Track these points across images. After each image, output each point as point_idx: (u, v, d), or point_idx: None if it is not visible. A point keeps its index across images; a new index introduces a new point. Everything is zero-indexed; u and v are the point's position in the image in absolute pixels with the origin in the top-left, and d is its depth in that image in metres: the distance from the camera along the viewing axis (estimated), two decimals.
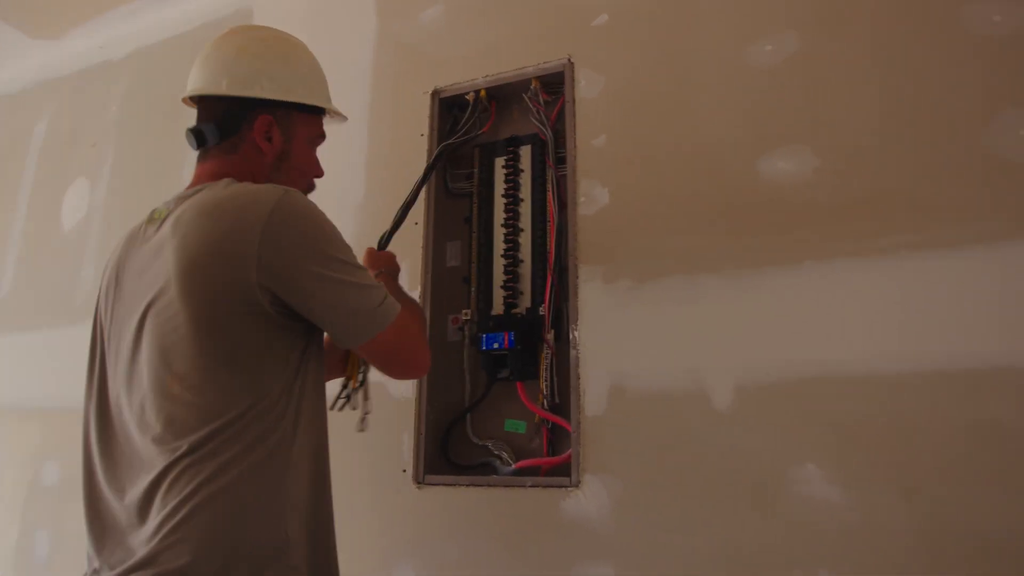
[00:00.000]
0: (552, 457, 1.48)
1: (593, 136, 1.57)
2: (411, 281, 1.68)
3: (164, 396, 0.97)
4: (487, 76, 1.74)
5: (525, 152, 1.73)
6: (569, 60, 1.64)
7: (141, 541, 0.93)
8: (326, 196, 1.24)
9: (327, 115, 1.26)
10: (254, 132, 1.13)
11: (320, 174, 1.26)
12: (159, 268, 1.02)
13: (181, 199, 1.08)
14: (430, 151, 1.76)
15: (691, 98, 1.48)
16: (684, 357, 1.35)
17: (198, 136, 1.14)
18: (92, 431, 1.08)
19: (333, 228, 1.06)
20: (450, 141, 1.74)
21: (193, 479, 0.92)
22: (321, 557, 1.04)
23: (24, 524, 2.14)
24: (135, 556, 0.92)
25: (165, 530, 0.90)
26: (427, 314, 1.67)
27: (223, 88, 1.13)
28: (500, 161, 1.75)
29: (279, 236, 0.98)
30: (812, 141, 1.35)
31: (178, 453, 0.93)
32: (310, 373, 1.06)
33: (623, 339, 1.41)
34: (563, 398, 1.50)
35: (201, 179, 1.13)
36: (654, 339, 1.39)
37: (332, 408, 1.18)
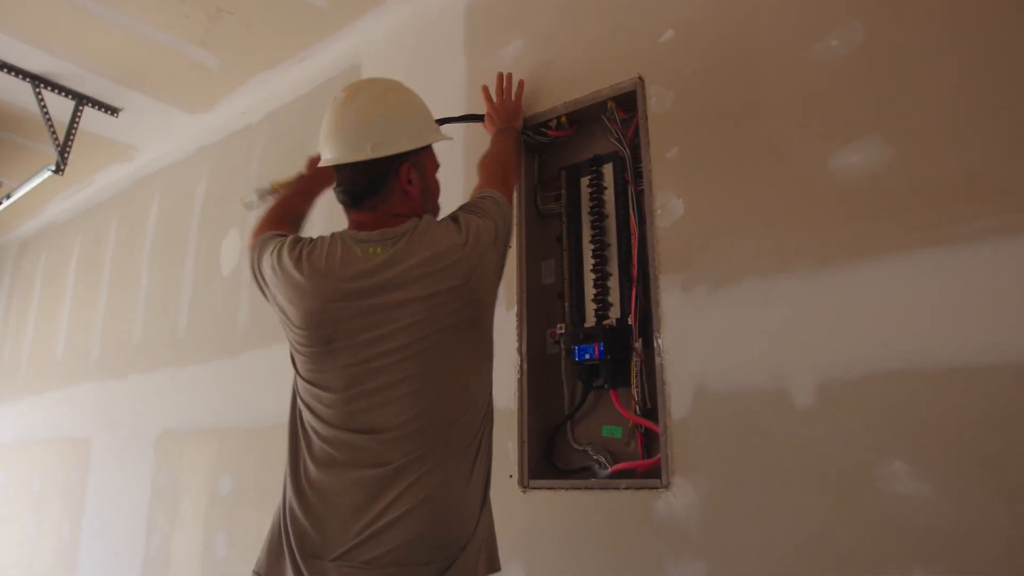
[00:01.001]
0: (644, 460, 1.54)
1: (666, 149, 1.62)
2: (508, 300, 1.82)
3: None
4: (566, 102, 1.84)
5: (607, 170, 1.81)
6: (640, 78, 1.70)
7: None
8: None
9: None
10: (400, 181, 1.30)
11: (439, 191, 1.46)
12: (401, 301, 1.22)
13: (383, 240, 1.27)
14: (519, 176, 1.89)
15: (758, 102, 1.50)
16: (764, 357, 1.37)
17: (351, 196, 1.32)
18: None
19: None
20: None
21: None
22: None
23: (207, 528, 2.50)
24: None
25: None
26: (524, 329, 1.79)
27: (368, 153, 1.28)
28: (585, 181, 1.85)
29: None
30: (885, 131, 1.33)
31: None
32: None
33: (704, 343, 1.46)
34: (652, 402, 1.56)
35: (366, 224, 1.30)
36: (734, 341, 1.42)
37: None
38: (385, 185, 1.30)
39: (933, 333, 1.21)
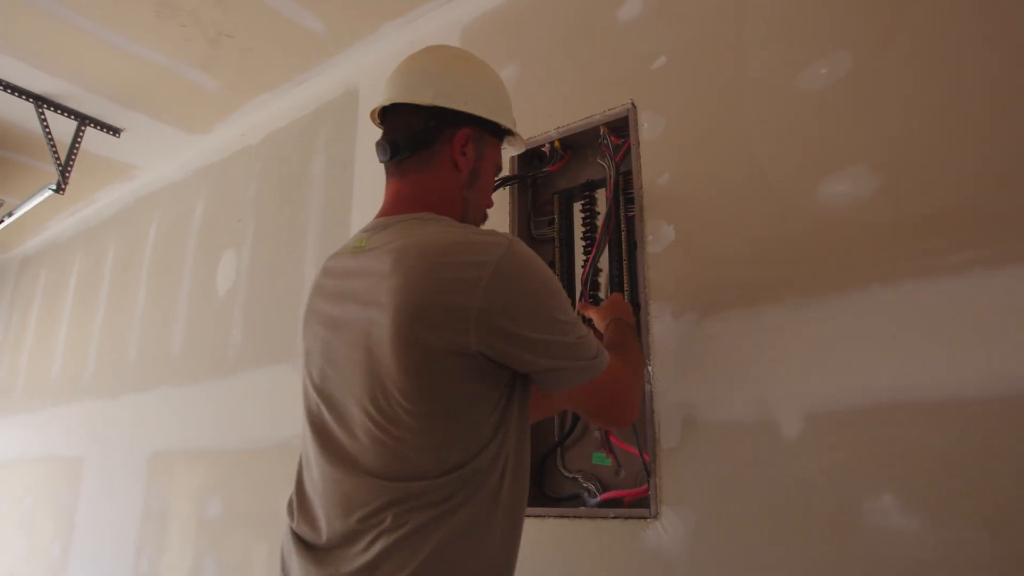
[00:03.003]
0: (632, 489, 1.53)
1: (657, 175, 1.62)
2: None
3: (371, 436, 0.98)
4: (558, 127, 1.85)
5: (600, 195, 1.81)
6: (632, 104, 1.71)
7: None
8: None
9: (504, 145, 1.25)
10: (453, 145, 1.11)
11: (491, 204, 1.23)
12: (372, 305, 1.00)
13: (382, 228, 1.08)
14: (512, 201, 1.90)
15: (748, 129, 1.51)
16: (752, 387, 1.36)
17: (393, 146, 1.11)
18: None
19: (555, 282, 1.02)
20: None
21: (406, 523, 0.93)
22: None
23: (196, 552, 2.48)
24: None
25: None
26: None
27: (428, 98, 1.10)
28: (578, 206, 1.85)
29: (503, 295, 0.94)
30: (872, 160, 1.33)
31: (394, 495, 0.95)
32: (513, 421, 1.03)
33: (692, 372, 1.45)
34: (640, 430, 1.54)
35: (397, 205, 1.12)
36: (722, 371, 1.41)
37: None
38: (433, 144, 1.11)
39: (921, 365, 1.20)
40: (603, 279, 1.74)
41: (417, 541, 0.92)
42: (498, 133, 1.19)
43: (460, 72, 1.15)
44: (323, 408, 1.07)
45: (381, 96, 1.18)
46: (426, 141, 1.11)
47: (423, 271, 0.96)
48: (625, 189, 1.73)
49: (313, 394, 1.10)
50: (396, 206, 1.12)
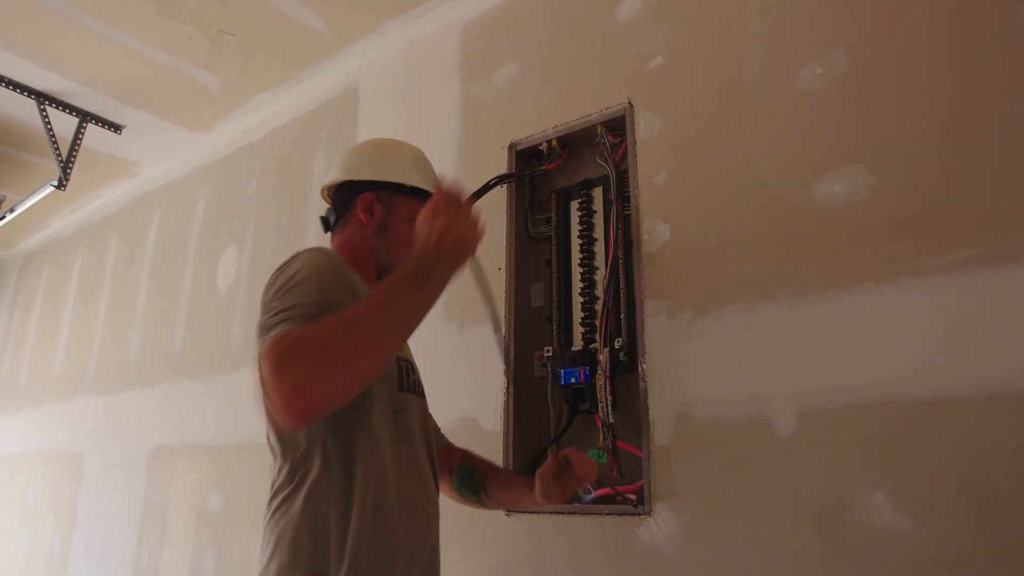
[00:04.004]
0: (626, 486, 1.53)
1: (654, 174, 1.63)
2: (496, 323, 1.82)
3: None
4: (556, 126, 1.86)
5: (597, 194, 1.82)
6: (629, 103, 1.72)
7: None
8: None
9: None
10: (358, 207, 1.32)
11: (409, 247, 1.31)
12: None
13: None
14: (509, 199, 1.91)
15: (745, 128, 1.51)
16: (745, 385, 1.37)
17: (324, 221, 1.39)
18: None
19: (309, 270, 1.08)
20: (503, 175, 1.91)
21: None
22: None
23: (196, 546, 2.49)
24: None
25: None
26: (512, 351, 1.79)
27: (334, 178, 1.38)
28: (575, 204, 1.86)
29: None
30: (868, 159, 1.33)
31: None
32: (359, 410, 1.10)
33: (687, 369, 1.46)
34: (635, 427, 1.55)
35: None
36: (716, 368, 1.42)
37: None
38: (347, 211, 1.34)
39: (913, 364, 1.21)
40: (599, 277, 1.75)
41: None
42: (415, 192, 1.34)
43: (362, 151, 1.41)
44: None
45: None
46: (343, 209, 1.35)
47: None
48: (621, 188, 1.74)
49: None
50: None
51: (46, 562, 3.31)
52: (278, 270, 1.15)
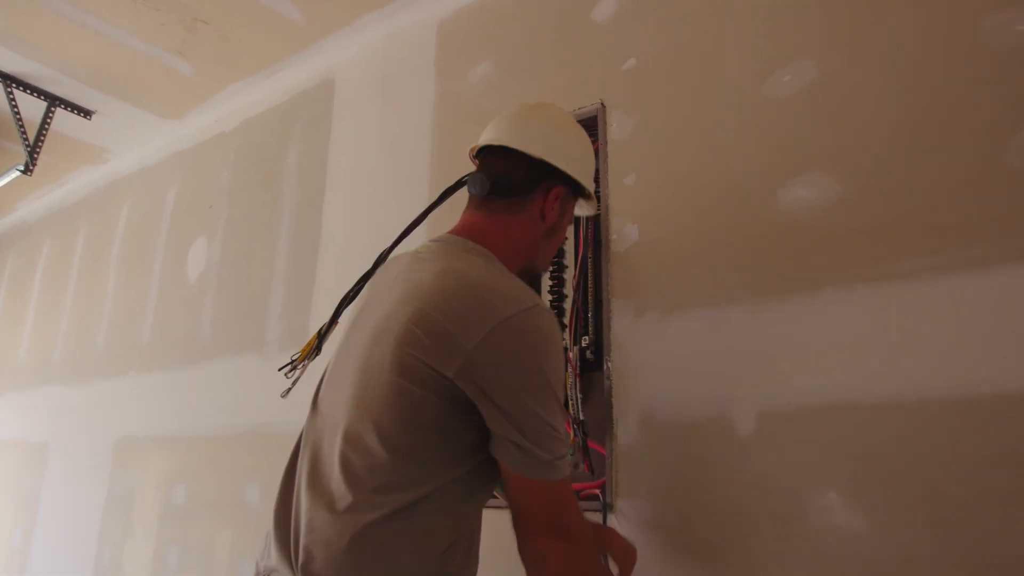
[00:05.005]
0: (589, 482, 1.55)
1: (624, 175, 1.65)
2: None
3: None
4: None
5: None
6: (602, 104, 1.73)
7: None
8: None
9: (580, 207, 1.33)
10: (547, 198, 1.18)
11: (556, 257, 1.34)
12: (397, 311, 1.04)
13: (442, 243, 1.17)
14: None
15: (714, 133, 1.53)
16: (708, 386, 1.39)
17: (495, 185, 1.17)
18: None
19: (554, 369, 1.01)
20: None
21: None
22: None
23: (159, 540, 2.47)
24: None
25: None
26: None
27: (539, 151, 1.17)
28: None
29: (500, 345, 0.97)
30: (832, 167, 1.36)
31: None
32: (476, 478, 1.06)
33: (651, 369, 1.48)
34: (600, 425, 1.57)
35: (468, 228, 1.18)
36: (680, 369, 1.44)
37: (280, 370, 1.30)
38: (527, 194, 1.18)
39: (870, 368, 1.23)
40: (568, 275, 1.76)
41: None
42: (578, 193, 1.27)
43: (568, 134, 1.24)
44: None
45: (488, 134, 1.24)
46: (525, 188, 1.18)
47: (437, 301, 1.01)
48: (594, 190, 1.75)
49: None
50: (467, 232, 1.18)
51: (6, 556, 3.25)
52: (534, 340, 1.00)
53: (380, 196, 2.18)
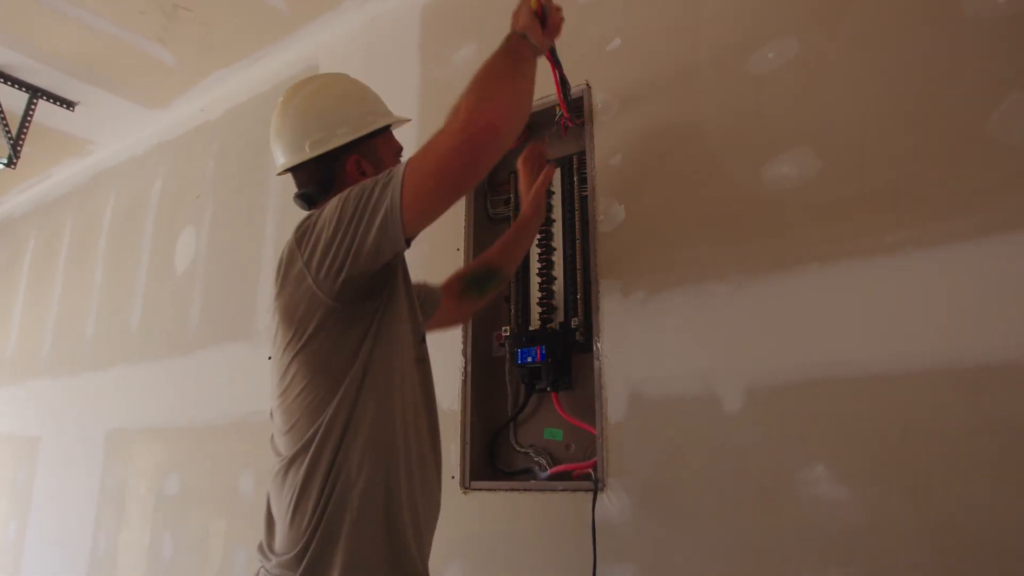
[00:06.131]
0: (581, 463, 1.56)
1: (610, 156, 1.65)
2: None
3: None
4: None
5: (556, 176, 1.83)
6: (587, 85, 1.73)
7: None
8: None
9: (393, 126, 1.34)
10: (348, 173, 1.23)
11: None
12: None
13: None
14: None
15: (698, 111, 1.53)
16: (695, 363, 1.40)
17: (307, 200, 1.26)
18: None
19: (344, 198, 1.09)
20: None
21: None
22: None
23: (153, 529, 2.47)
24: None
25: None
26: (470, 331, 1.80)
27: (307, 152, 1.22)
28: None
29: (310, 236, 1.11)
30: (814, 143, 1.36)
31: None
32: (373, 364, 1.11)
33: (639, 348, 1.48)
34: (590, 405, 1.58)
35: None
36: (667, 347, 1.44)
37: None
38: (336, 183, 1.23)
39: (852, 342, 1.25)
40: (557, 257, 1.77)
41: None
42: (377, 135, 1.27)
43: (325, 109, 1.24)
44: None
45: (275, 159, 1.30)
46: (328, 182, 1.23)
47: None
48: (579, 169, 1.75)
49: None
50: None
51: (1, 549, 3.24)
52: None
53: None
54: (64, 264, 3.51)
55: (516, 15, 1.26)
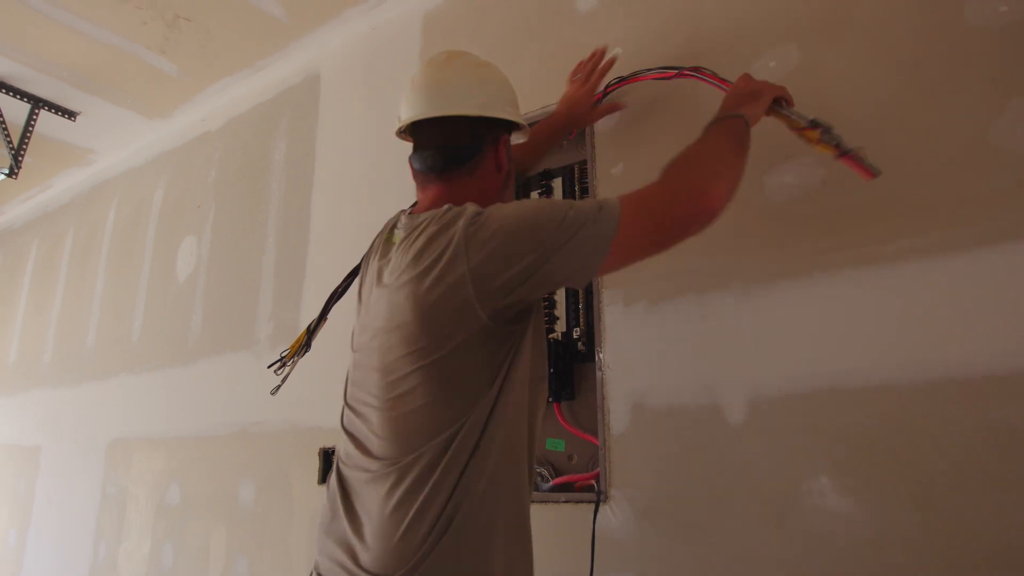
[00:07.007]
0: (583, 474, 1.55)
1: (612, 165, 1.64)
2: None
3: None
4: None
5: (557, 184, 1.83)
6: None
7: None
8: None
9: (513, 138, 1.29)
10: (498, 151, 1.16)
11: None
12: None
13: (412, 227, 1.11)
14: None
15: (701, 120, 1.52)
16: (698, 373, 1.39)
17: (444, 158, 1.13)
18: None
19: (536, 212, 1.01)
20: None
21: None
22: None
23: (154, 539, 2.46)
24: None
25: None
26: None
27: (474, 110, 1.14)
28: (535, 195, 1.86)
29: (481, 242, 0.99)
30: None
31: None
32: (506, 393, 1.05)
33: (642, 359, 1.48)
34: (593, 416, 1.57)
35: (433, 202, 1.15)
36: (670, 357, 1.44)
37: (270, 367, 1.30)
38: (478, 155, 1.14)
39: (855, 352, 1.24)
40: None
41: None
42: (516, 129, 1.25)
43: (490, 78, 1.20)
44: None
45: (413, 108, 1.18)
46: (474, 149, 1.15)
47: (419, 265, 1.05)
48: (580, 178, 1.75)
49: None
50: (435, 206, 1.13)
51: (1, 557, 3.23)
52: (496, 217, 1.01)
53: (367, 190, 2.17)
54: (65, 274, 3.51)
55: (756, 95, 1.26)
